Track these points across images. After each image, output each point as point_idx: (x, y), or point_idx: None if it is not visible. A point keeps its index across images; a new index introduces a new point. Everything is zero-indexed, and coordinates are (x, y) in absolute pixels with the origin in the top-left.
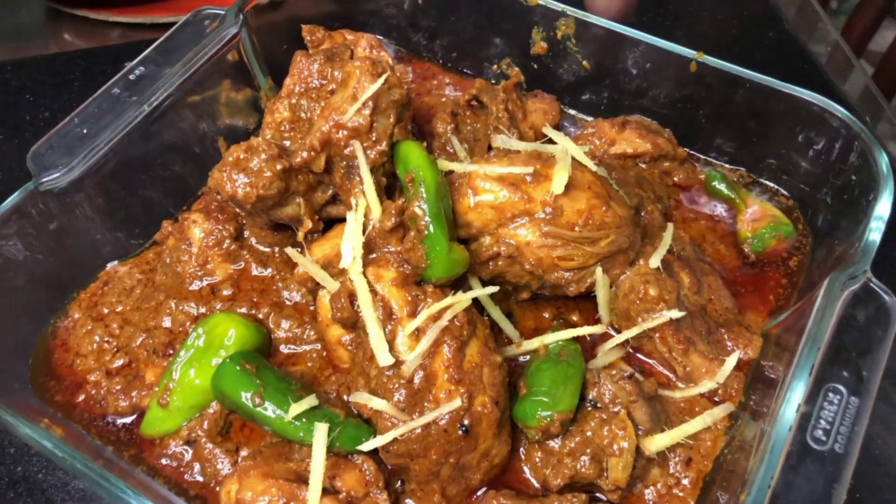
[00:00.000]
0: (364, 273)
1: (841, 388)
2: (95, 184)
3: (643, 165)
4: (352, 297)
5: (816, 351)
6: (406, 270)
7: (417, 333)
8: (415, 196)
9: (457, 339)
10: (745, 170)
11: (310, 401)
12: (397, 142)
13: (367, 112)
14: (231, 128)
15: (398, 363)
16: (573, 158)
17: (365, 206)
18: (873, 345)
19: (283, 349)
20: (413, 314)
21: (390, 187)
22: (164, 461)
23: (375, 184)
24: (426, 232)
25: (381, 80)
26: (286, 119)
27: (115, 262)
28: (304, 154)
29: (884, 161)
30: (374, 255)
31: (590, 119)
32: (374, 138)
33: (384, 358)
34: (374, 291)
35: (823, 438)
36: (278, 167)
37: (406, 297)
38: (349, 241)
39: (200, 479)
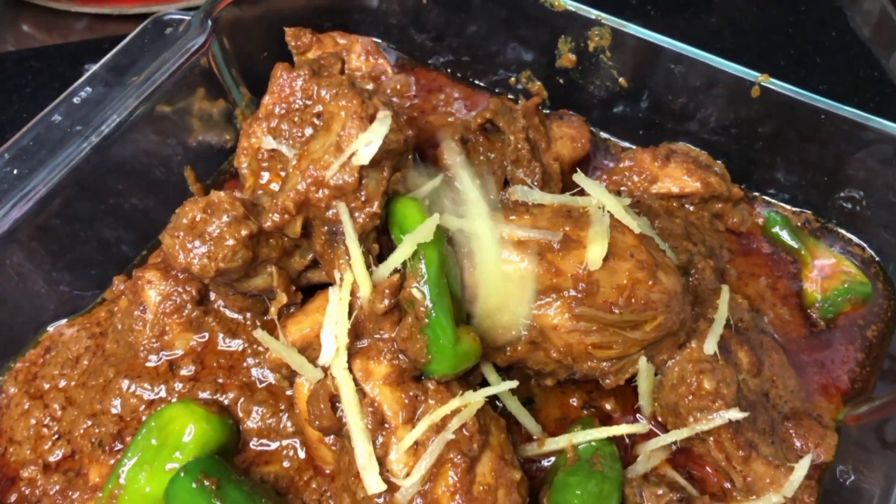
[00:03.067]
0: (350, 368)
1: None
2: (32, 232)
3: (691, 207)
4: (334, 398)
5: None
6: (402, 364)
7: (416, 448)
8: (413, 274)
9: (465, 457)
10: (811, 213)
11: None
12: (392, 197)
13: (354, 166)
14: (204, 146)
15: (391, 489)
16: (611, 216)
17: (351, 281)
18: None
19: (254, 444)
20: (410, 421)
21: (383, 254)
22: None
23: (365, 254)
24: (427, 320)
25: (374, 128)
26: (265, 149)
27: (62, 322)
28: (276, 217)
29: None
30: (363, 344)
31: (625, 145)
32: (363, 198)
33: (374, 484)
34: (361, 392)
35: None
36: (243, 232)
37: (402, 400)
38: (331, 328)
39: None
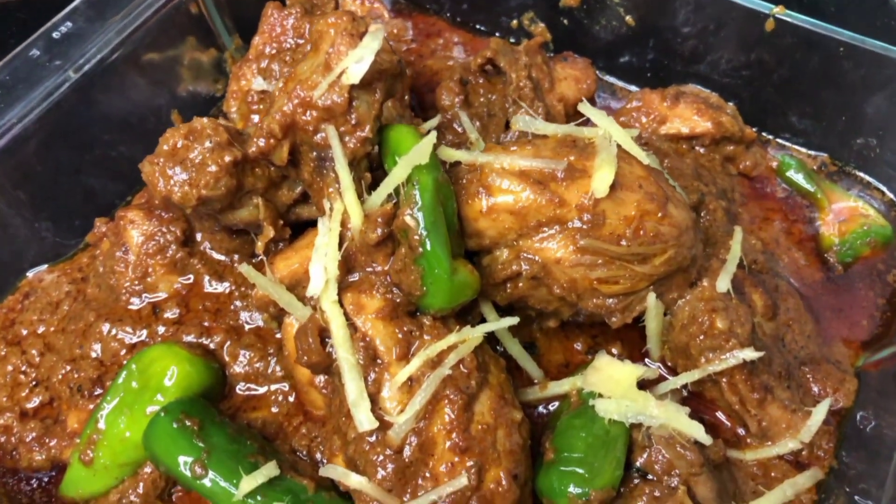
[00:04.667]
0: (340, 301)
1: None
2: (11, 171)
3: (701, 150)
4: (323, 333)
5: None
6: (396, 298)
7: (410, 385)
8: (407, 201)
9: (462, 394)
10: (827, 156)
11: (268, 470)
12: (386, 125)
13: (344, 86)
14: (193, 95)
15: (384, 426)
16: (618, 147)
17: (342, 211)
18: None
19: (241, 390)
20: (405, 357)
21: (377, 184)
22: None
23: (355, 181)
24: (421, 249)
25: (365, 44)
26: (255, 90)
27: (42, 268)
28: (261, 142)
29: None
30: (354, 277)
31: (633, 89)
32: (353, 121)
33: (365, 421)
34: (353, 326)
35: None
36: (227, 159)
37: (395, 335)
38: (320, 259)
39: None
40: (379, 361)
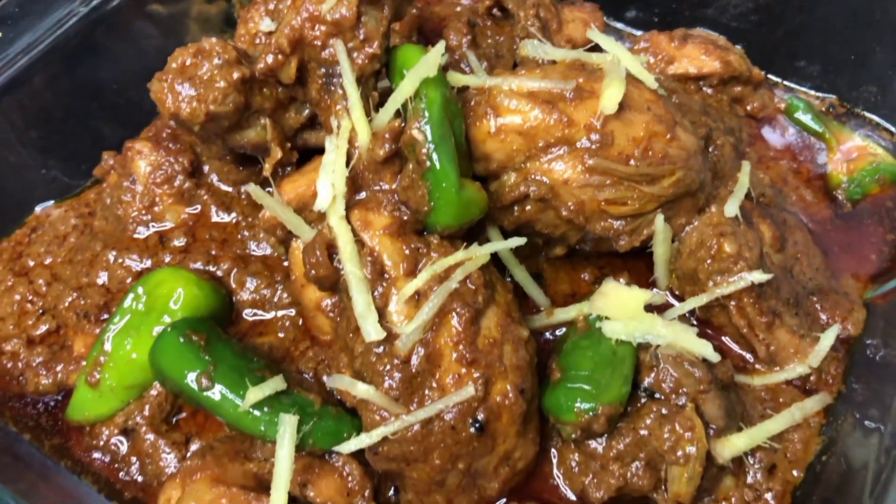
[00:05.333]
0: (348, 218)
1: None
2: (19, 105)
3: (709, 90)
4: (331, 249)
5: None
6: (403, 216)
7: (417, 299)
8: (415, 115)
9: (469, 308)
10: (836, 98)
11: (275, 383)
12: (394, 47)
13: (353, 0)
14: None
15: (391, 337)
16: (627, 72)
17: (349, 128)
18: None
19: (248, 315)
20: (412, 273)
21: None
22: (94, 455)
23: (363, 99)
24: (428, 164)
25: None
26: (262, 31)
27: (49, 204)
28: (269, 58)
29: None
30: (362, 196)
31: (640, 34)
32: (361, 37)
33: (372, 331)
34: (360, 242)
35: None
36: (235, 75)
37: (403, 251)
38: (328, 176)
39: (139, 478)
40: (386, 276)
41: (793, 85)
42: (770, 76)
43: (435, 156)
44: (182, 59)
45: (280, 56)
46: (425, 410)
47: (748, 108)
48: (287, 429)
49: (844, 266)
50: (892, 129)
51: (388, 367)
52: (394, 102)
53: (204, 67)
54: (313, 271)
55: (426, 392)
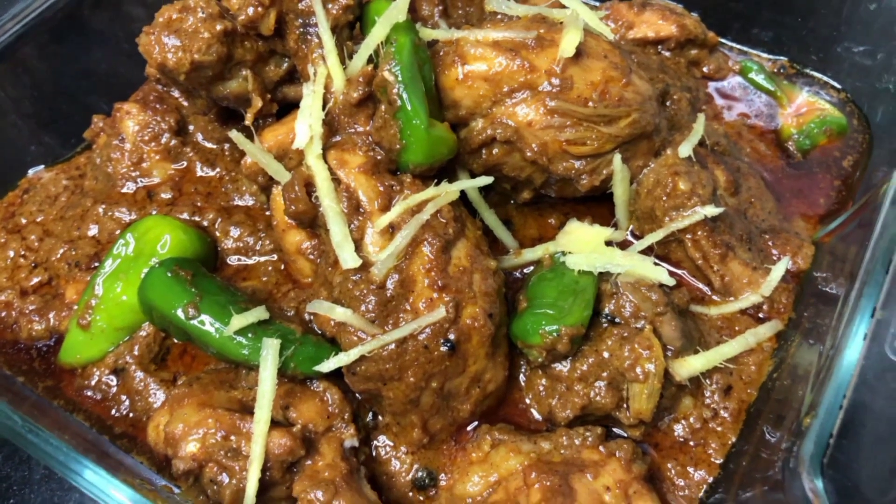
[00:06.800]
0: (325, 158)
1: None
2: (9, 72)
3: (667, 53)
4: (309, 186)
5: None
6: (377, 156)
7: (391, 231)
8: (386, 58)
9: (440, 238)
10: (786, 60)
11: (258, 312)
12: (367, 2)
13: None
14: None
15: (367, 265)
16: (585, 24)
17: (325, 74)
18: None
19: (232, 262)
20: (386, 208)
21: None
22: (86, 393)
23: (338, 47)
24: (399, 103)
25: None
26: None
27: (40, 168)
28: (250, 10)
29: None
30: (338, 139)
31: (599, 4)
32: None
33: (349, 259)
34: (336, 180)
35: None
36: (218, 27)
37: (377, 187)
38: (305, 119)
39: (130, 414)
40: (361, 211)
41: (747, 49)
42: (726, 41)
43: (405, 95)
44: (168, 14)
45: (260, 8)
46: (400, 330)
47: (705, 69)
48: (270, 351)
49: (795, 209)
50: (838, 85)
51: (365, 291)
52: (366, 48)
53: (189, 21)
54: (293, 206)
55: (401, 315)
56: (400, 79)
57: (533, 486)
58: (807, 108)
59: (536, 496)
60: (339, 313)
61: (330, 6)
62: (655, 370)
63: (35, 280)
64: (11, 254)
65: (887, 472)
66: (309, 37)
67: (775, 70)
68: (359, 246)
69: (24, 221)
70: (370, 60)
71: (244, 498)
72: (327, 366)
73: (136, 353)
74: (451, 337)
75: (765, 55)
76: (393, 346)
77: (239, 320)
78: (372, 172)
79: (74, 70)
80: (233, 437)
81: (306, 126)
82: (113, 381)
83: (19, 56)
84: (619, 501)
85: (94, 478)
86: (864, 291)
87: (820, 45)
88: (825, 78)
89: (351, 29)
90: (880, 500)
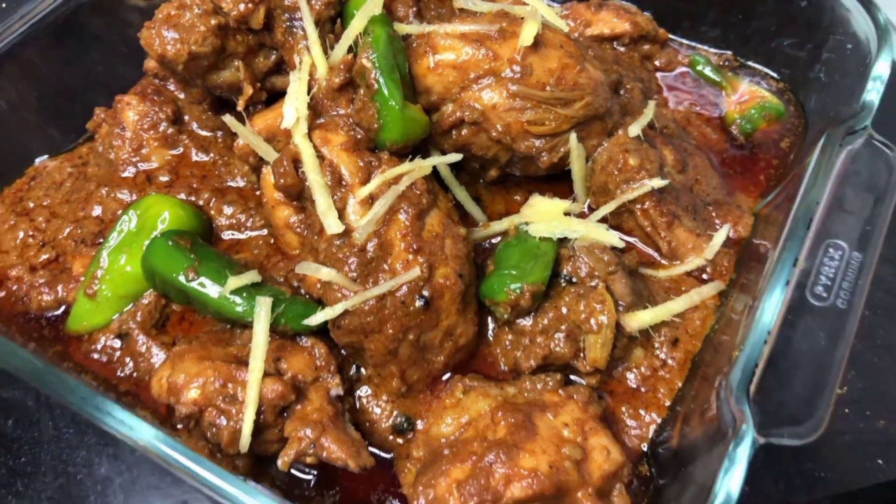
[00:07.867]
0: (310, 138)
1: (842, 243)
2: (18, 69)
3: (622, 49)
4: (296, 162)
5: (814, 205)
6: (357, 135)
7: (371, 201)
8: (364, 48)
9: (415, 206)
10: (731, 54)
11: (251, 275)
12: (346, 3)
13: None
14: None
15: (349, 231)
16: (543, 18)
17: (310, 63)
18: (876, 199)
19: (226, 237)
20: (366, 182)
21: None
22: (93, 356)
23: (321, 39)
24: (376, 87)
25: None
26: None
27: (45, 158)
28: (242, 6)
29: (881, 16)
30: (322, 120)
31: (559, 4)
32: None
33: (333, 225)
34: (321, 157)
35: (824, 294)
36: (212, 22)
37: (357, 163)
38: (292, 102)
39: (134, 374)
40: (344, 184)
41: (695, 44)
42: (676, 38)
43: (381, 80)
44: (167, 10)
45: (250, 4)
46: (379, 287)
47: (657, 63)
48: (262, 307)
49: (738, 185)
50: (776, 76)
51: (347, 254)
52: (346, 39)
53: (186, 16)
54: (282, 180)
55: (380, 275)
56: (377, 65)
57: (499, 423)
58: (749, 96)
59: (502, 431)
60: (325, 273)
61: (313, 2)
62: (608, 321)
63: (44, 257)
64: (21, 234)
65: (806, 397)
66: (295, 30)
67: (721, 63)
68: (341, 214)
69: (31, 205)
70: (350, 50)
71: (240, 438)
72: (315, 319)
73: (138, 318)
74: (426, 294)
75: (711, 50)
76: (373, 301)
77: (235, 281)
78: (353, 150)
79: (75, 69)
80: (230, 385)
81: (293, 108)
82: (117, 344)
83: (25, 56)
84: (576, 436)
85: (122, 414)
86: (786, 245)
87: (760, 40)
88: (765, 69)
89: (332, 24)
90: (800, 422)
